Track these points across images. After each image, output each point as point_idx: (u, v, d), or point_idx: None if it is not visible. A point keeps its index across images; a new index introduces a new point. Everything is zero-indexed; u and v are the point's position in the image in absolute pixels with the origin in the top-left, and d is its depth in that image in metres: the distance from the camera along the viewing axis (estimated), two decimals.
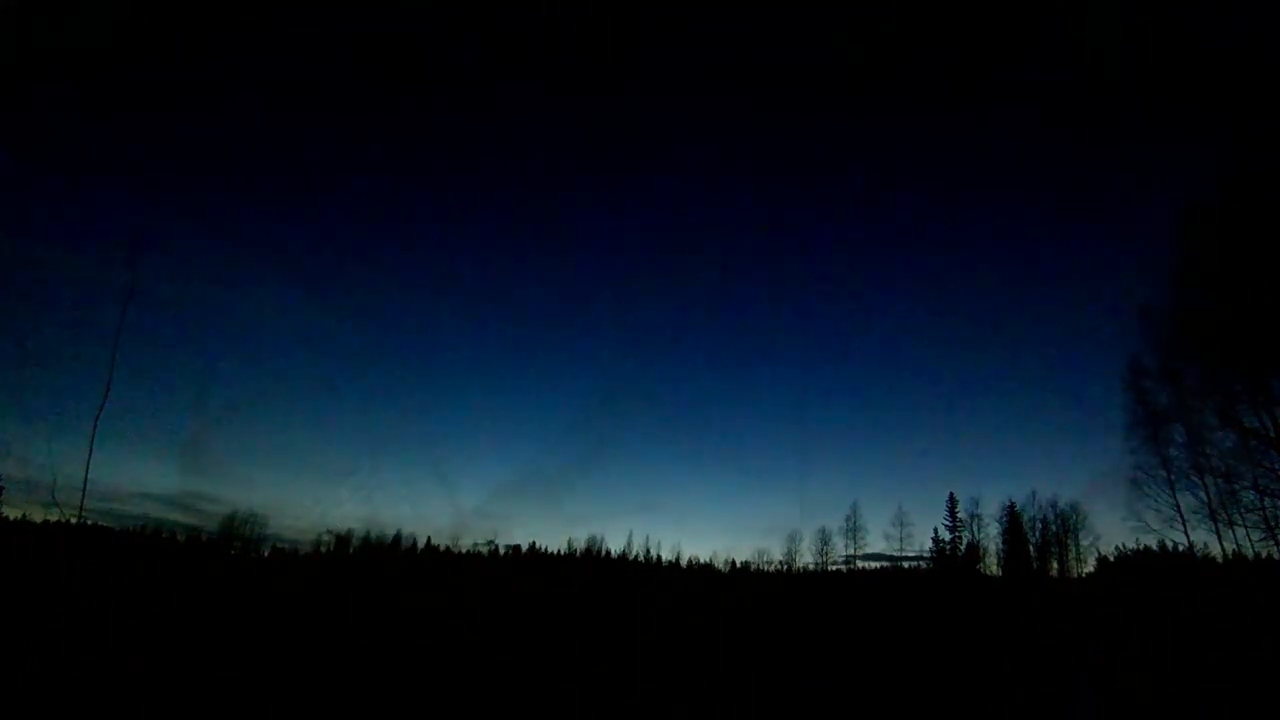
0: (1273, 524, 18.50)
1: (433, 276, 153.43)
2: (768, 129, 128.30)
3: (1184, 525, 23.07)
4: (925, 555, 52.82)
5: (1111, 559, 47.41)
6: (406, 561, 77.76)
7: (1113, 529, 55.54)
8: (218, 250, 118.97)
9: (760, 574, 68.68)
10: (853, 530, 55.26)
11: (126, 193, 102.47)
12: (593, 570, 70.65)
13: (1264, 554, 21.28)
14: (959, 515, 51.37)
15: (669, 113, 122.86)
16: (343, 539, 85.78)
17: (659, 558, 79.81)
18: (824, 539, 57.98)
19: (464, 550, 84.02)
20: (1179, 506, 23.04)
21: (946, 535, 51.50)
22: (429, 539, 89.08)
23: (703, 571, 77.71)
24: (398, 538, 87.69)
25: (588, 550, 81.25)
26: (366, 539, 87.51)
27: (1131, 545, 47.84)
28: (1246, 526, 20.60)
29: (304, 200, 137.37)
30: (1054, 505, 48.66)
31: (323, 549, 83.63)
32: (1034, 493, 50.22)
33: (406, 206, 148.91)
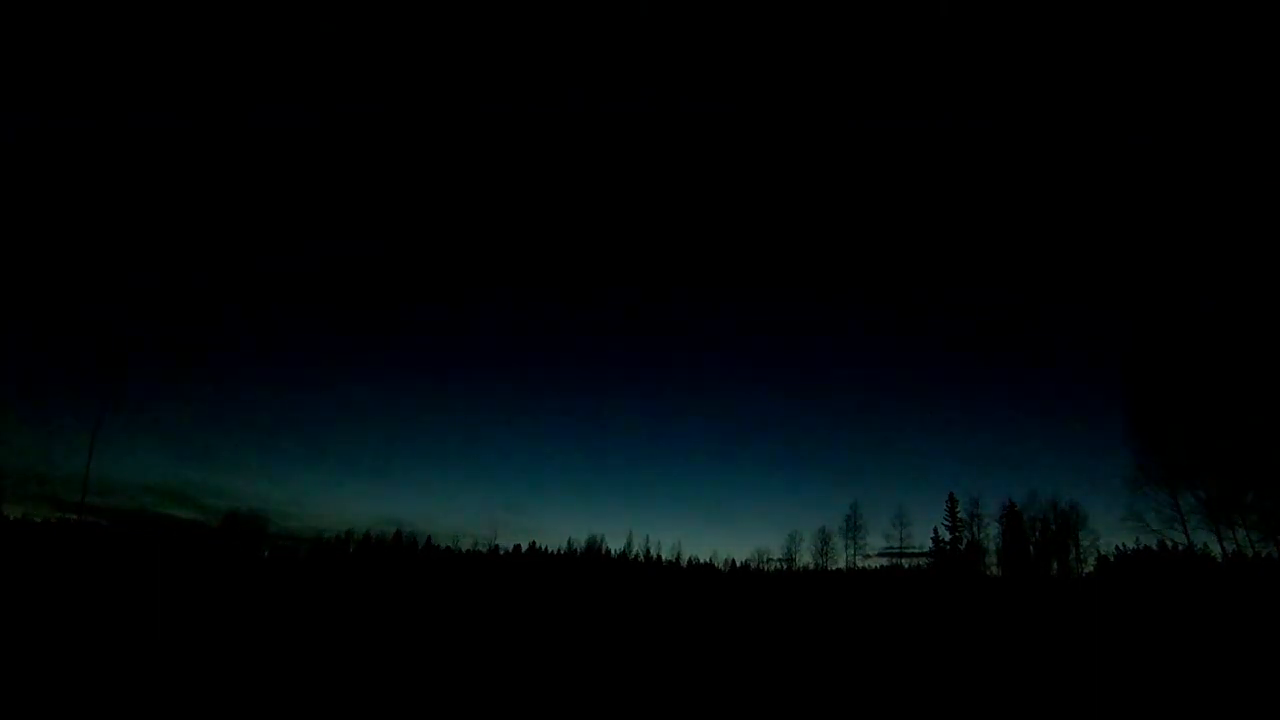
0: (1273, 524, 18.50)
1: (451, 278, 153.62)
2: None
3: (1184, 525, 23.07)
4: (925, 555, 52.80)
5: (1111, 559, 47.34)
6: (407, 561, 77.83)
7: (1113, 529, 55.47)
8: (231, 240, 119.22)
9: (760, 574, 68.67)
10: (853, 530, 55.25)
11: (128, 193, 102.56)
12: (593, 570, 70.67)
13: (1264, 554, 21.29)
14: (959, 515, 51.33)
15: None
16: (342, 540, 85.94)
17: (659, 558, 79.88)
18: (824, 539, 58.01)
19: (465, 550, 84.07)
20: (1179, 506, 23.04)
21: (946, 535, 51.49)
22: (429, 538, 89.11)
23: (703, 571, 77.72)
24: (398, 536, 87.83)
25: (588, 550, 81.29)
26: (367, 537, 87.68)
27: (1131, 545, 47.77)
28: (1246, 527, 20.62)
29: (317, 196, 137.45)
30: (1054, 505, 48.64)
31: (324, 546, 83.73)
32: (1034, 493, 50.22)
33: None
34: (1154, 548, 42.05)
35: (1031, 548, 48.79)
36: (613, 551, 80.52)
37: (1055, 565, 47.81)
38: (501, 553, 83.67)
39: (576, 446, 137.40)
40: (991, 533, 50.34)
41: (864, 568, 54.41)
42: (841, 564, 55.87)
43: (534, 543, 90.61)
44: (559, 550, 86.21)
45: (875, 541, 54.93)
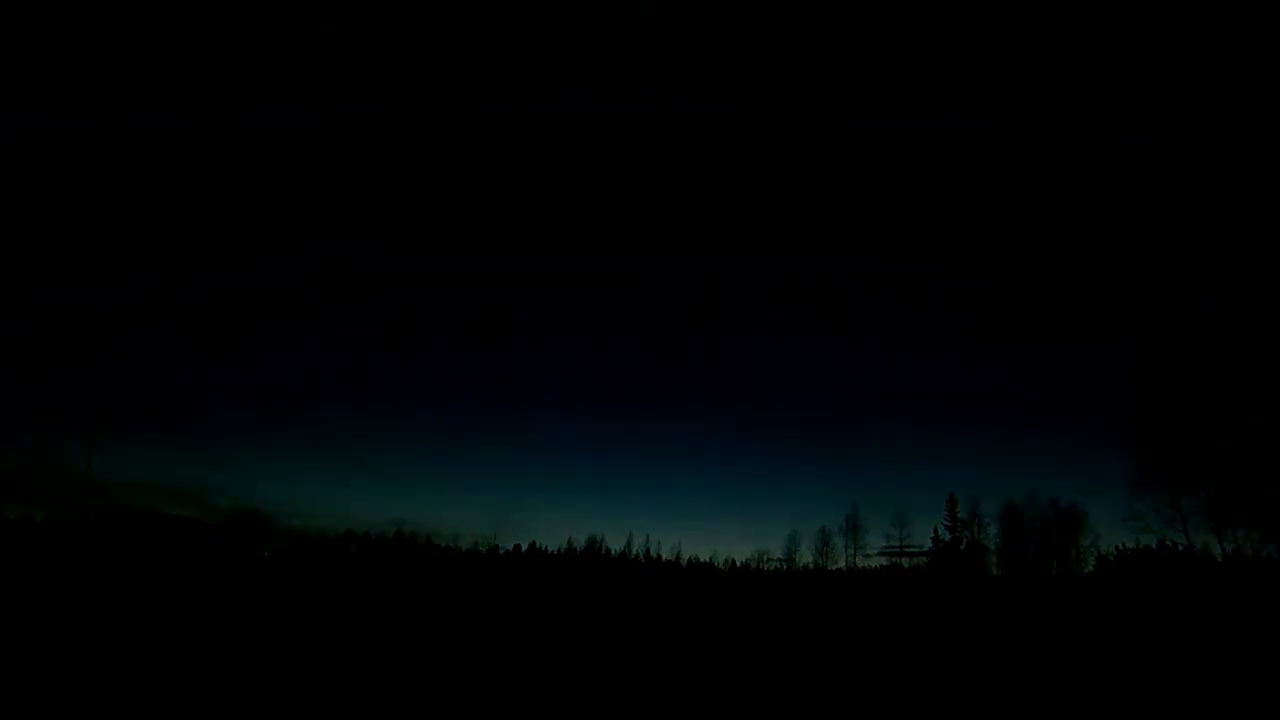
0: (1273, 524, 18.50)
1: (444, 273, 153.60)
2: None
3: (1184, 525, 23.09)
4: (925, 555, 52.84)
5: (1111, 559, 47.30)
6: (407, 561, 77.85)
7: (1113, 529, 55.51)
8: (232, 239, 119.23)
9: (760, 574, 68.66)
10: (853, 530, 55.34)
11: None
12: (593, 570, 70.69)
13: (1264, 554, 21.31)
14: (959, 515, 51.33)
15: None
16: (342, 539, 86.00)
17: (659, 558, 79.85)
18: (824, 539, 58.06)
19: (465, 549, 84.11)
20: (1179, 506, 23.07)
21: (946, 535, 51.49)
22: (429, 538, 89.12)
23: (703, 571, 77.68)
24: (399, 536, 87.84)
25: (588, 550, 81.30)
26: (367, 537, 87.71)
27: (1131, 545, 47.72)
28: (1246, 526, 20.65)
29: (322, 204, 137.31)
30: (1054, 505, 48.65)
31: (325, 546, 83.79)
32: (1034, 493, 50.25)
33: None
34: (1154, 548, 42.01)
35: (1031, 548, 48.81)
36: (613, 551, 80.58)
37: (1055, 565, 47.82)
38: (501, 552, 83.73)
39: (576, 447, 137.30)
40: (991, 533, 50.43)
41: (864, 567, 54.49)
42: (842, 564, 55.97)
43: (534, 543, 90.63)
44: (559, 550, 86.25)
45: (875, 541, 55.09)
